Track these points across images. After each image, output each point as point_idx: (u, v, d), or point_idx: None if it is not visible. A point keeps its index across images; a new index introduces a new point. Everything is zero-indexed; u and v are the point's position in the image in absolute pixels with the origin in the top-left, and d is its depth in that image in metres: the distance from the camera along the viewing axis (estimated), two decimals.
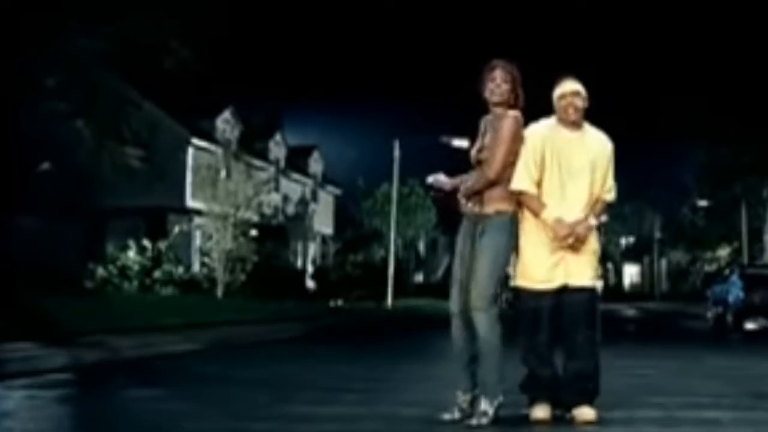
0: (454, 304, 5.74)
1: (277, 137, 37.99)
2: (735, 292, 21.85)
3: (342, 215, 45.48)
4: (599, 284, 6.04)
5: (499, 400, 5.56)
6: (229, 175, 29.26)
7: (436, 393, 6.69)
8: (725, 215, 48.66)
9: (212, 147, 31.33)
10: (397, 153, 34.03)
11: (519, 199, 5.76)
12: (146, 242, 27.79)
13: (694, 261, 62.60)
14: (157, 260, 27.50)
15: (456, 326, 5.73)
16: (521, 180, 5.72)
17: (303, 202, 39.83)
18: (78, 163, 22.57)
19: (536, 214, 5.73)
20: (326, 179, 42.95)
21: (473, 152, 5.90)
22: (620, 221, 61.67)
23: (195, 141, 31.36)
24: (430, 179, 6.01)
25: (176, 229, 29.60)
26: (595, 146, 5.90)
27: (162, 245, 28.03)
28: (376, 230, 44.91)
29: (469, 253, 5.67)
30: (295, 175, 39.40)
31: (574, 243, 5.68)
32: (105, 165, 21.11)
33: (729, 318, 22.06)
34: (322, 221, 42.00)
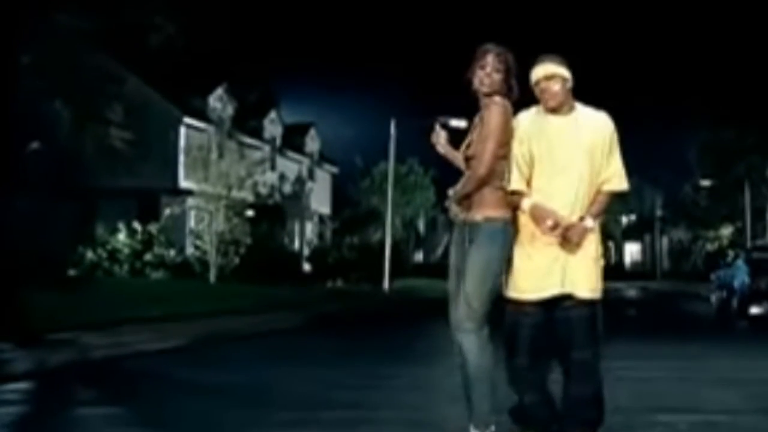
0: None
1: (273, 115, 37.26)
2: (741, 277, 21.43)
3: (340, 194, 44.88)
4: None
5: (491, 431, 4.95)
6: (221, 155, 28.55)
7: (437, 408, 6.06)
8: (728, 195, 48.11)
9: (205, 126, 30.61)
10: (393, 132, 33.33)
11: (513, 201, 5.03)
12: (137, 224, 27.15)
13: (695, 240, 62.03)
14: (147, 243, 26.88)
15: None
16: (515, 180, 5.01)
17: (300, 181, 39.20)
18: (62, 144, 21.95)
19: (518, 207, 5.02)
20: (323, 157, 42.24)
21: (462, 149, 5.24)
22: (621, 199, 60.99)
23: (187, 120, 30.61)
24: (435, 133, 5.36)
25: (167, 211, 28.91)
26: (589, 131, 5.03)
27: (153, 228, 27.40)
28: (374, 209, 44.31)
29: (460, 263, 5.01)
30: (292, 154, 38.72)
31: (566, 245, 4.94)
32: (88, 146, 20.47)
33: (734, 303, 21.64)
34: (320, 200, 41.40)
